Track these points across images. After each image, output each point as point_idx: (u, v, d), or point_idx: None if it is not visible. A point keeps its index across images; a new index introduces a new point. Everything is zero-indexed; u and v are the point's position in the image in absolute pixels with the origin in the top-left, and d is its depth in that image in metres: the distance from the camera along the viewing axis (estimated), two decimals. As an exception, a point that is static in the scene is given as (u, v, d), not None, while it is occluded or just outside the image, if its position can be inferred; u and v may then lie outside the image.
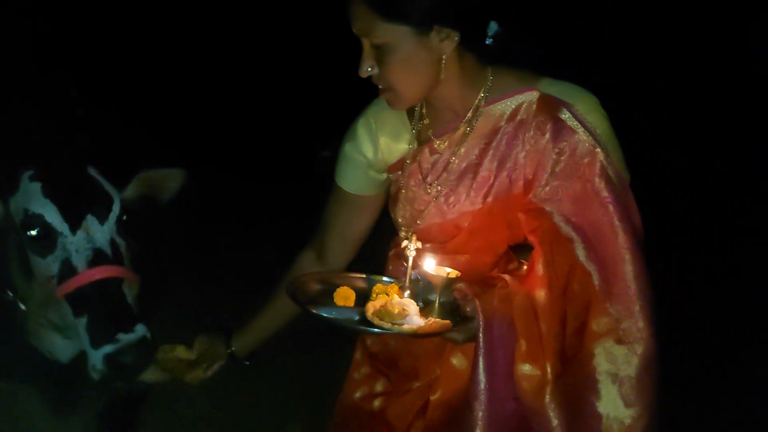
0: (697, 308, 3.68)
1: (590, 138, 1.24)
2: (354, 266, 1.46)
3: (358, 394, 1.49)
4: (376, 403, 1.46)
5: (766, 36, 4.40)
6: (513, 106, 1.28)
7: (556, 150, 1.25)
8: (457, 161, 1.32)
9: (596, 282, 1.23)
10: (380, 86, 1.27)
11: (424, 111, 1.36)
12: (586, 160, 1.24)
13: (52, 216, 1.30)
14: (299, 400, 2.72)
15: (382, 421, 1.44)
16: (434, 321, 1.21)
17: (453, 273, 1.24)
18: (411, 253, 1.26)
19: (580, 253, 1.24)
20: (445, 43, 1.21)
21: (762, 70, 4.56)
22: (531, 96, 1.28)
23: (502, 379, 1.25)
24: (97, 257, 1.29)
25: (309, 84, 5.20)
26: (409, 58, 1.21)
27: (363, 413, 1.47)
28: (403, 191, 1.39)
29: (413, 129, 1.37)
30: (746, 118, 4.83)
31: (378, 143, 1.40)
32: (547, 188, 1.26)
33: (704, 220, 4.44)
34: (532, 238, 1.28)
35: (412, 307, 1.23)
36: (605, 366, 1.23)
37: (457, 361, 1.35)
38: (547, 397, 1.24)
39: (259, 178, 4.69)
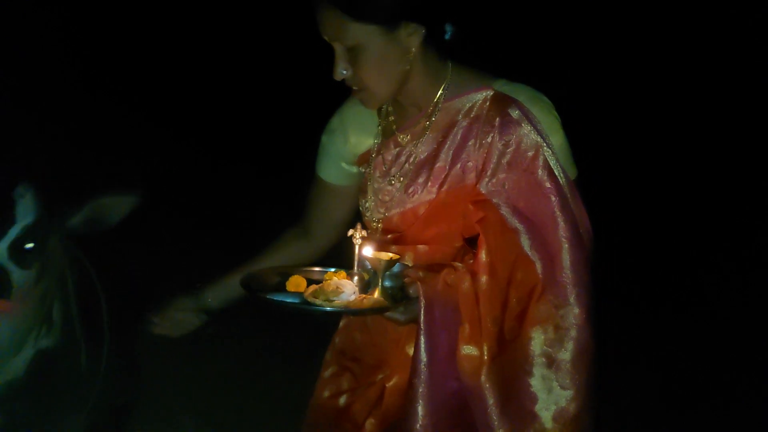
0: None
1: (534, 132, 1.31)
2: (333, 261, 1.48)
3: (326, 393, 1.53)
4: (342, 400, 1.50)
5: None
6: (468, 104, 1.35)
7: (502, 142, 1.32)
8: (416, 154, 1.39)
9: (539, 270, 1.30)
10: (354, 87, 1.33)
11: (390, 108, 1.44)
12: (530, 153, 1.31)
13: None
14: (288, 415, 2.72)
15: (347, 417, 1.48)
16: (365, 297, 1.26)
17: (393, 256, 1.28)
18: (357, 242, 1.30)
19: (525, 243, 1.31)
20: (413, 37, 1.27)
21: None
22: (485, 93, 1.35)
23: (443, 359, 1.29)
24: None
25: (307, 85, 5.21)
26: (381, 56, 1.27)
27: (330, 411, 1.51)
28: (369, 183, 1.46)
29: (379, 125, 1.45)
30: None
31: (348, 137, 1.48)
32: (494, 180, 1.32)
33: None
34: (479, 228, 1.33)
35: (349, 286, 1.27)
36: (541, 349, 1.30)
37: (411, 349, 1.38)
38: (483, 377, 1.29)
39: (259, 173, 4.69)
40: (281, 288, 1.34)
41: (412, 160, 1.40)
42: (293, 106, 5.05)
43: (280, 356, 3.03)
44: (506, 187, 1.32)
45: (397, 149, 1.42)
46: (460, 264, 1.34)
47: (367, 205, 1.46)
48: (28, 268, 1.31)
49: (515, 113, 1.32)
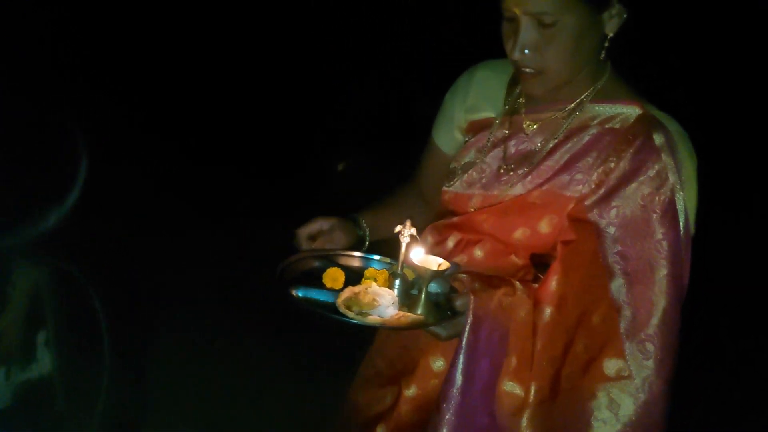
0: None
1: (673, 169, 1.14)
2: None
3: (360, 396, 1.42)
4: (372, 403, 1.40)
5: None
6: (610, 113, 1.20)
7: (632, 167, 1.15)
8: (530, 143, 1.24)
9: (622, 321, 1.12)
10: (527, 70, 1.17)
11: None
12: (658, 190, 1.13)
13: None
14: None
15: (361, 417, 1.37)
16: (403, 315, 1.11)
17: (442, 264, 1.12)
18: (405, 239, 1.14)
19: (614, 285, 1.13)
20: (614, 21, 1.14)
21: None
22: (632, 110, 1.19)
23: (479, 389, 1.15)
24: None
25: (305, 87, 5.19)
26: (579, 38, 1.12)
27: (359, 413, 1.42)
28: (467, 153, 1.31)
29: (506, 102, 1.30)
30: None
31: (468, 98, 1.35)
32: (604, 204, 1.15)
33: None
34: (560, 249, 1.18)
35: (387, 297, 1.12)
36: (604, 413, 1.12)
37: (436, 362, 1.27)
38: (524, 421, 1.14)
39: (258, 176, 4.68)
40: (318, 279, 1.19)
41: (522, 147, 1.25)
42: (287, 110, 5.03)
43: (293, 366, 3.02)
44: (615, 218, 1.14)
45: (515, 132, 1.27)
46: (520, 286, 1.17)
47: (455, 175, 1.31)
48: None
49: (659, 141, 1.15)
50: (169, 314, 3.20)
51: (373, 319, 1.08)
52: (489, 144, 1.28)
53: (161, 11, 5.21)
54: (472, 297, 1.12)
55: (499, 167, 1.26)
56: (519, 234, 1.23)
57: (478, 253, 1.27)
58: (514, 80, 1.29)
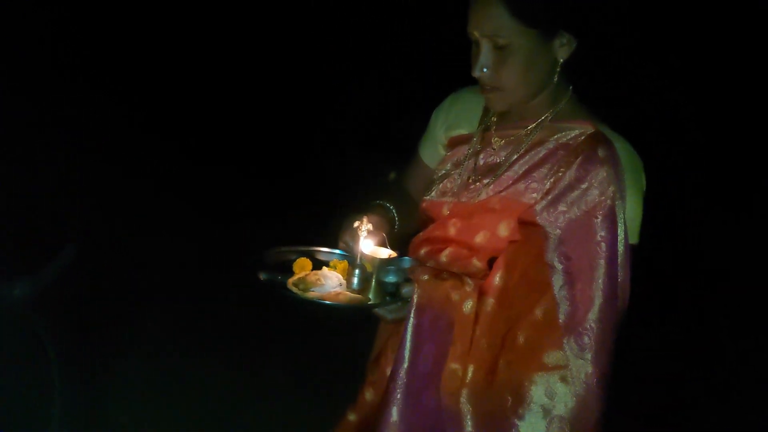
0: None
1: (614, 180, 1.26)
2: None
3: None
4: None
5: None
6: (565, 132, 1.33)
7: (576, 176, 1.27)
8: (495, 157, 1.38)
9: (562, 316, 1.23)
10: (487, 87, 1.32)
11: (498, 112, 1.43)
12: (598, 198, 1.25)
13: None
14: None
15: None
16: (342, 293, 1.24)
17: (391, 254, 1.27)
18: (362, 234, 1.27)
19: (557, 282, 1.25)
20: (563, 49, 1.28)
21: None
22: (585, 128, 1.32)
23: (425, 372, 1.25)
24: None
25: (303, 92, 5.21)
26: (529, 61, 1.27)
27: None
28: (442, 166, 1.47)
29: (481, 122, 1.45)
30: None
31: (449, 119, 1.50)
32: (552, 209, 1.28)
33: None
34: (509, 249, 1.29)
35: (334, 279, 1.26)
36: (541, 399, 1.22)
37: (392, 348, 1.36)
38: (462, 398, 1.25)
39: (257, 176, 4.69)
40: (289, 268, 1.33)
41: (490, 160, 1.39)
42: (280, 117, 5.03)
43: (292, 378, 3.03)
44: (560, 221, 1.27)
45: (485, 147, 1.41)
46: (471, 283, 1.29)
47: (433, 185, 1.46)
48: None
49: (602, 153, 1.27)
50: (166, 317, 3.21)
51: (312, 294, 1.22)
52: (464, 158, 1.42)
53: (161, 12, 5.23)
54: (416, 285, 1.25)
55: (469, 177, 1.40)
56: (480, 237, 1.36)
57: (443, 258, 1.40)
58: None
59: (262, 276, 1.29)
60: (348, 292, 1.26)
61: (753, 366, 3.34)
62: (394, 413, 1.25)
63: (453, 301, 1.26)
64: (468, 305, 1.26)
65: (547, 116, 1.35)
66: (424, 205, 1.47)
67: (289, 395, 2.88)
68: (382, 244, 1.31)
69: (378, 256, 1.26)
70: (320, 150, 4.87)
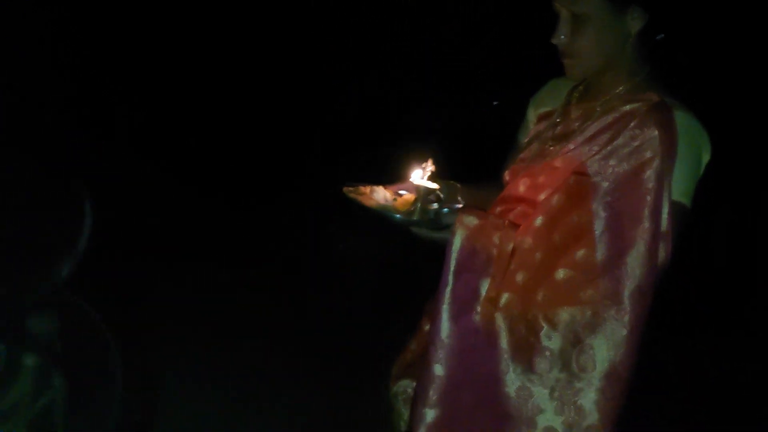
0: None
1: (665, 142, 1.32)
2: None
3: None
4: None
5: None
6: (634, 101, 1.39)
7: (630, 134, 1.35)
8: (571, 126, 1.47)
9: (599, 255, 1.30)
10: (564, 54, 1.41)
11: (581, 88, 1.53)
12: (648, 155, 1.32)
13: None
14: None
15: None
16: (374, 199, 1.43)
17: (434, 187, 1.41)
18: (427, 172, 1.44)
19: (598, 227, 1.31)
20: (636, 22, 1.35)
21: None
22: (651, 98, 1.38)
23: (465, 295, 1.36)
24: None
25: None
26: (603, 30, 1.36)
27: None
28: (527, 137, 1.57)
29: (565, 100, 1.55)
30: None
31: (539, 98, 1.62)
32: (603, 162, 1.35)
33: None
34: (556, 193, 1.38)
35: (381, 193, 1.45)
36: (572, 326, 1.30)
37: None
38: (498, 321, 1.34)
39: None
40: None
41: (566, 129, 1.48)
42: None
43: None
44: (609, 173, 1.34)
45: (564, 119, 1.51)
46: (514, 229, 1.39)
47: (516, 154, 1.55)
48: None
49: (657, 117, 1.34)
50: (183, 321, 3.19)
51: (354, 195, 1.43)
52: (544, 129, 1.54)
53: (164, 14, 5.23)
54: (458, 221, 1.39)
55: (546, 144, 1.50)
56: (544, 195, 1.44)
57: (511, 217, 1.48)
58: (575, 86, 1.55)
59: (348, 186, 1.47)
60: (380, 201, 1.44)
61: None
62: (442, 331, 1.35)
63: (494, 241, 1.37)
64: (508, 246, 1.37)
65: (620, 90, 1.42)
66: (505, 174, 1.56)
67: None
68: (432, 180, 1.45)
69: (425, 185, 1.41)
70: (320, 150, 4.85)
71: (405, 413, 1.54)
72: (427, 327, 1.52)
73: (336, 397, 2.56)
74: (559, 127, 1.52)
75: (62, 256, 1.39)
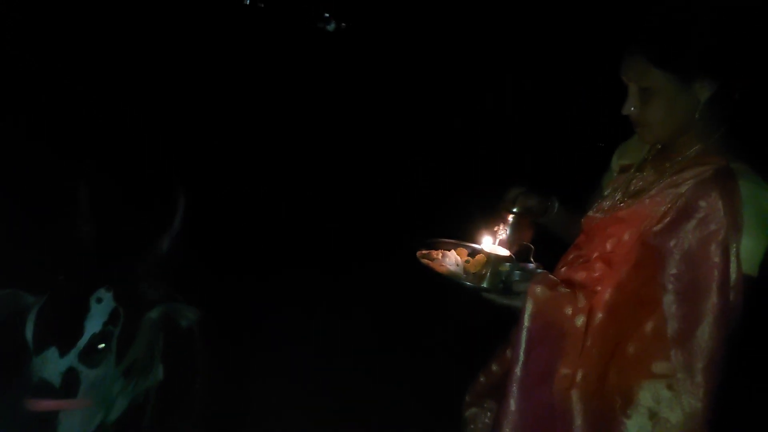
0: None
1: (729, 213, 1.31)
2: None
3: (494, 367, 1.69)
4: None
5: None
6: (703, 166, 1.39)
7: (693, 206, 1.35)
8: (644, 184, 1.51)
9: (670, 330, 1.31)
10: (635, 123, 1.45)
11: (659, 146, 1.57)
12: (713, 228, 1.32)
13: (28, 333, 1.38)
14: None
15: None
16: (446, 266, 1.49)
17: (505, 255, 1.48)
18: (499, 236, 1.53)
19: (668, 301, 1.32)
20: (704, 90, 1.37)
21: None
22: (719, 163, 1.38)
23: (537, 369, 1.38)
24: (40, 389, 1.33)
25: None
26: (670, 101, 1.38)
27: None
28: (606, 188, 1.64)
29: (643, 156, 1.60)
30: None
31: (621, 154, 1.68)
32: (667, 234, 1.36)
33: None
34: (623, 266, 1.40)
35: (452, 259, 1.52)
36: (648, 402, 1.31)
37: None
38: (574, 398, 1.36)
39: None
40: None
41: (639, 185, 1.52)
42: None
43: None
44: (676, 246, 1.34)
45: (638, 175, 1.55)
46: (584, 299, 1.40)
47: (595, 203, 1.61)
48: (97, 366, 1.40)
49: (720, 186, 1.33)
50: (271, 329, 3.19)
51: (426, 261, 1.51)
52: (622, 183, 1.59)
53: (169, 16, 5.21)
54: (530, 293, 1.40)
55: (620, 199, 1.55)
56: (609, 244, 1.49)
57: (577, 265, 1.54)
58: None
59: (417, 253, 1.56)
60: (450, 267, 1.50)
61: None
62: (512, 404, 1.37)
63: (566, 314, 1.39)
64: (580, 320, 1.38)
65: (692, 152, 1.44)
66: (582, 219, 1.61)
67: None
68: (503, 246, 1.53)
69: (495, 252, 1.47)
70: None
71: None
72: (494, 367, 1.59)
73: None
74: (632, 183, 1.55)
75: (161, 237, 1.50)
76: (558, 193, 1.65)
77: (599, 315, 1.37)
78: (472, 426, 1.62)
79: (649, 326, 1.32)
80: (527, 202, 1.60)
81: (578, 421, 1.35)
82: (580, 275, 1.50)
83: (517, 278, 1.45)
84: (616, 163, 1.68)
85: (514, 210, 1.57)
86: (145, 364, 1.53)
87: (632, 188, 1.53)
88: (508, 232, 1.54)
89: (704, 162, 1.40)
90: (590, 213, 1.59)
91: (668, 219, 1.36)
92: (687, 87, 1.37)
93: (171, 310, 1.49)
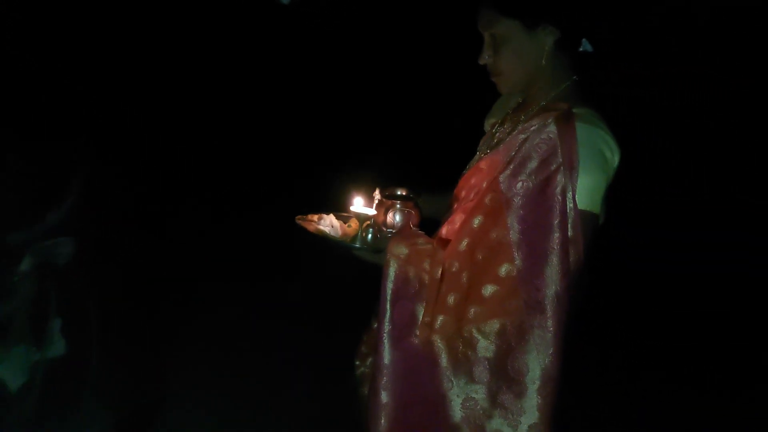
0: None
1: (565, 153, 1.39)
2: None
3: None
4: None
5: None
6: (551, 112, 1.46)
7: (533, 148, 1.42)
8: (501, 136, 1.59)
9: (517, 268, 1.37)
10: (492, 73, 1.53)
11: (519, 100, 1.66)
12: (551, 168, 1.39)
13: None
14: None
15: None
16: (321, 228, 1.60)
17: (368, 216, 1.59)
18: (375, 201, 1.62)
19: (515, 241, 1.38)
20: (548, 37, 1.46)
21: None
22: (562, 108, 1.45)
23: (402, 321, 1.45)
24: None
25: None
26: (519, 48, 1.47)
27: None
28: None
29: (504, 113, 1.69)
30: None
31: (490, 113, 1.79)
32: (512, 179, 1.42)
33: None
34: (471, 216, 1.47)
35: (327, 221, 1.62)
36: (500, 336, 1.38)
37: None
38: (437, 342, 1.43)
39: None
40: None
41: (497, 138, 1.61)
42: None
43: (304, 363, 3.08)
44: (519, 189, 1.41)
45: (499, 129, 1.65)
46: (442, 252, 1.48)
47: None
48: None
49: (556, 128, 1.41)
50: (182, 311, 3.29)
51: (303, 223, 1.61)
52: (487, 138, 1.69)
53: (168, 15, 5.26)
54: (390, 252, 1.48)
55: (482, 151, 1.64)
56: (473, 192, 1.55)
57: (456, 218, 1.60)
58: (516, 99, 1.68)
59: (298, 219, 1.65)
60: (325, 229, 1.61)
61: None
62: (384, 356, 1.44)
63: (424, 267, 1.46)
64: (438, 271, 1.46)
65: (543, 102, 1.52)
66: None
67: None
68: (369, 206, 1.62)
69: (363, 214, 1.59)
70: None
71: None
72: (364, 348, 1.68)
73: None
74: (495, 137, 1.63)
75: (49, 206, 1.51)
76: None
77: (455, 263, 1.44)
78: (364, 387, 1.67)
79: (502, 268, 1.38)
80: (395, 190, 1.68)
81: (443, 362, 1.41)
82: (445, 228, 1.58)
83: (386, 237, 1.56)
84: (487, 125, 1.76)
85: (387, 194, 1.66)
86: (35, 325, 1.50)
87: (494, 141, 1.61)
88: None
89: (551, 109, 1.47)
90: (463, 171, 1.66)
91: (513, 164, 1.43)
92: (533, 33, 1.45)
93: (42, 254, 1.47)
